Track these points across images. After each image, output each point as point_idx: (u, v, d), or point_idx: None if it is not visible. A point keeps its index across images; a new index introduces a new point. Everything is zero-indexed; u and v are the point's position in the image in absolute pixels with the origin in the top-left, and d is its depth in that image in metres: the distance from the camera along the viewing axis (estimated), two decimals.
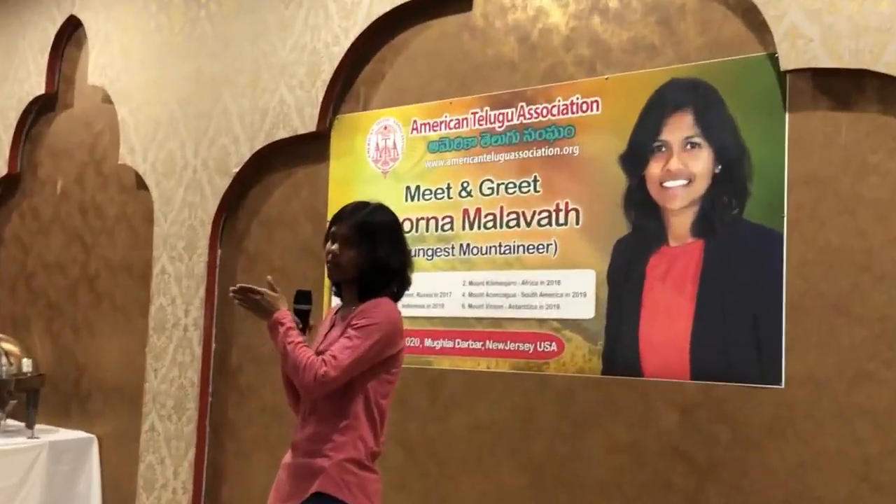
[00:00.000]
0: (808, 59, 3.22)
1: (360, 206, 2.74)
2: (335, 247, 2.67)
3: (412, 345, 4.13)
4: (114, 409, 5.41)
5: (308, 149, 4.66)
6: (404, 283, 2.75)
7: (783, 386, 3.25)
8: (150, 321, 5.13)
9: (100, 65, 5.60)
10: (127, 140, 5.39)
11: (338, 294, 2.81)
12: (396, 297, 2.74)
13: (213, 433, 4.91)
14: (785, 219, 3.29)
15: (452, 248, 4.12)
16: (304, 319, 2.70)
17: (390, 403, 2.73)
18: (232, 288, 2.67)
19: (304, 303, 2.73)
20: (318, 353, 2.65)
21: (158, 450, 4.99)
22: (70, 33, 5.86)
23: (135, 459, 5.12)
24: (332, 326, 2.74)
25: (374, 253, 2.65)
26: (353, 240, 2.66)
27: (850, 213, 3.19)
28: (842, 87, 3.23)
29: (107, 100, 5.61)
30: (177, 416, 4.94)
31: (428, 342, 4.13)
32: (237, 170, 4.84)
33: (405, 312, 4.14)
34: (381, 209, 2.76)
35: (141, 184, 5.34)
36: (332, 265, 2.69)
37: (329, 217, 2.89)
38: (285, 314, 2.62)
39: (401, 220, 4.19)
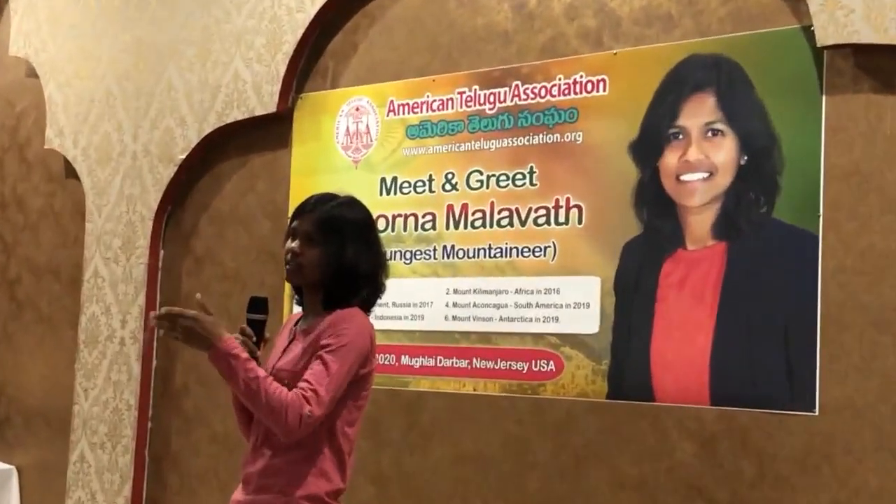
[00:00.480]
0: (849, 33, 3.22)
1: (326, 199, 2.71)
2: (295, 244, 2.65)
3: (387, 363, 4.12)
4: (37, 437, 5.38)
5: (267, 133, 4.64)
6: (377, 291, 2.73)
7: (817, 413, 3.25)
8: (80, 333, 5.10)
9: (23, 32, 5.56)
10: (55, 121, 5.36)
11: (300, 302, 2.79)
12: (368, 306, 2.71)
13: (154, 465, 4.88)
14: (821, 218, 3.30)
15: (434, 250, 4.11)
16: (258, 331, 2.67)
17: (358, 432, 2.71)
18: (154, 313, 2.58)
19: (259, 312, 2.70)
20: (276, 371, 2.62)
21: (89, 484, 4.96)
22: None
23: (61, 495, 5.09)
24: (291, 340, 2.72)
25: (341, 253, 2.63)
26: (317, 237, 2.63)
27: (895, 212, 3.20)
28: (887, 66, 3.23)
29: (31, 73, 5.58)
30: (111, 445, 4.91)
31: (405, 360, 4.12)
32: (183, 157, 4.82)
33: (378, 325, 4.14)
34: (352, 203, 2.75)
35: (71, 172, 5.31)
36: (292, 266, 2.66)
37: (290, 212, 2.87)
38: (232, 342, 2.52)
39: (374, 216, 4.23)
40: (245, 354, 2.52)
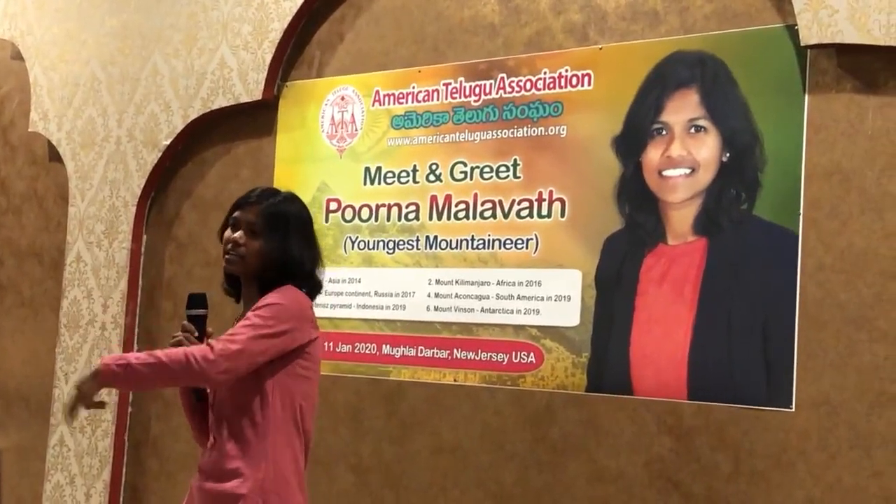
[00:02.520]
0: (833, 33, 3.22)
1: (269, 193, 2.75)
2: (238, 234, 2.65)
3: (368, 352, 4.11)
4: (17, 419, 5.35)
5: (251, 120, 4.62)
6: (316, 286, 2.74)
7: (793, 409, 3.26)
8: (61, 317, 5.07)
9: (9, 15, 5.52)
10: (39, 104, 5.32)
11: (233, 294, 2.78)
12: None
13: (133, 450, 4.86)
14: (801, 216, 3.30)
15: (417, 240, 4.10)
16: (199, 326, 2.67)
17: (315, 408, 2.70)
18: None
19: (198, 307, 2.70)
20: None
21: (68, 467, 4.94)
22: None
23: (40, 478, 5.06)
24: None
25: (284, 246, 2.64)
26: (260, 229, 2.64)
27: (875, 211, 3.20)
28: (870, 66, 3.23)
29: (16, 56, 5.53)
30: (90, 429, 4.89)
31: (386, 349, 4.11)
32: (168, 142, 4.80)
33: (360, 314, 4.17)
34: (294, 199, 2.78)
35: (54, 155, 5.28)
36: (233, 256, 2.66)
37: None
38: (105, 357, 2.54)
39: (359, 206, 4.23)
40: (124, 354, 2.54)
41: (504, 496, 3.79)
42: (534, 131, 3.85)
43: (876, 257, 3.19)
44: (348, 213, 4.25)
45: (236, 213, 2.69)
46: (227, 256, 2.67)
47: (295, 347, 2.60)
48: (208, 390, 2.71)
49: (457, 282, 3.98)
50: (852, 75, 3.26)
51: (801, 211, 3.30)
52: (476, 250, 3.95)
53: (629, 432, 3.55)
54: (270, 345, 2.55)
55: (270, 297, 2.60)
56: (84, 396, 2.47)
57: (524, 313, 3.80)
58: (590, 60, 3.75)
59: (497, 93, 3.95)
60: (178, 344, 2.61)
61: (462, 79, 4.04)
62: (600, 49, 3.74)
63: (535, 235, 3.82)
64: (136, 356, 2.49)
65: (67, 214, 5.13)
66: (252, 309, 2.59)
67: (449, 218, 4.02)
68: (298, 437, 2.63)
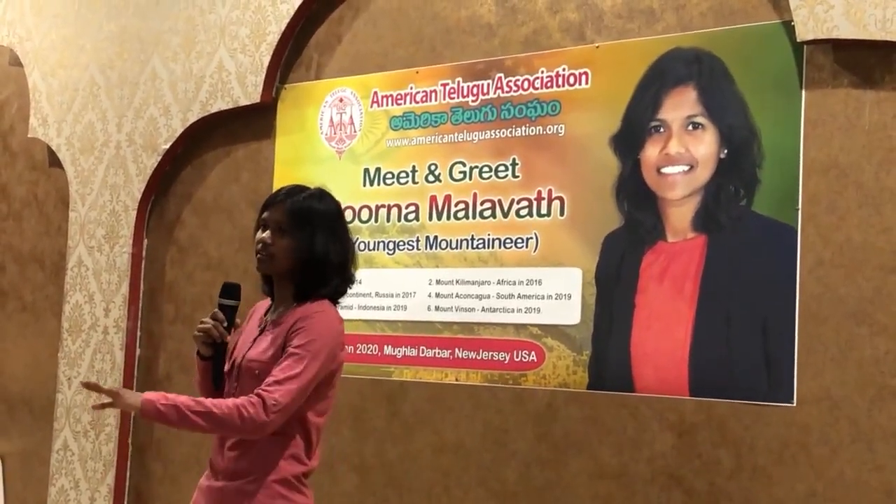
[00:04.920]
0: (829, 28, 3.23)
1: (296, 190, 2.74)
2: (266, 234, 2.67)
3: (370, 353, 4.12)
4: (20, 424, 5.35)
5: (250, 123, 4.62)
6: (347, 281, 2.74)
7: (794, 404, 3.26)
8: (63, 322, 5.08)
9: (7, 21, 5.52)
10: (39, 109, 5.33)
11: (269, 292, 2.79)
12: (338, 296, 2.72)
13: (137, 453, 4.87)
14: (799, 212, 3.31)
15: (417, 240, 4.11)
16: (229, 316, 2.70)
17: (328, 418, 2.75)
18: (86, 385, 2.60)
19: (231, 297, 2.73)
20: (247, 361, 2.64)
21: (72, 472, 4.94)
22: None
23: (44, 483, 5.07)
24: (262, 330, 2.72)
25: (311, 243, 2.64)
26: (287, 227, 2.65)
27: (873, 206, 3.20)
28: (867, 61, 3.24)
29: (15, 62, 5.54)
30: (94, 433, 4.89)
31: (388, 349, 4.12)
32: (167, 146, 4.80)
33: (361, 315, 4.17)
34: (322, 194, 2.77)
35: (54, 161, 5.29)
36: (263, 256, 2.67)
37: None
38: (151, 393, 2.56)
39: (358, 207, 4.24)
40: (173, 396, 2.55)
41: (507, 494, 3.79)
42: (532, 130, 3.86)
43: (874, 251, 3.19)
44: (348, 215, 4.24)
45: (265, 214, 2.70)
46: (258, 256, 2.68)
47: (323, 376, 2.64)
48: (224, 370, 2.74)
49: (457, 281, 3.98)
50: (849, 70, 3.27)
51: (800, 206, 3.30)
52: (476, 250, 3.95)
53: (631, 429, 3.55)
54: (313, 384, 2.59)
55: (307, 324, 2.59)
56: (115, 406, 2.55)
57: (525, 312, 3.81)
58: (587, 59, 3.76)
59: (495, 92, 3.95)
60: (207, 332, 2.64)
61: (460, 79, 4.04)
62: (597, 47, 3.75)
63: (535, 234, 3.82)
64: (183, 401, 2.52)
65: (68, 219, 5.14)
66: (289, 336, 2.58)
67: (448, 218, 4.03)
68: (310, 444, 2.67)
